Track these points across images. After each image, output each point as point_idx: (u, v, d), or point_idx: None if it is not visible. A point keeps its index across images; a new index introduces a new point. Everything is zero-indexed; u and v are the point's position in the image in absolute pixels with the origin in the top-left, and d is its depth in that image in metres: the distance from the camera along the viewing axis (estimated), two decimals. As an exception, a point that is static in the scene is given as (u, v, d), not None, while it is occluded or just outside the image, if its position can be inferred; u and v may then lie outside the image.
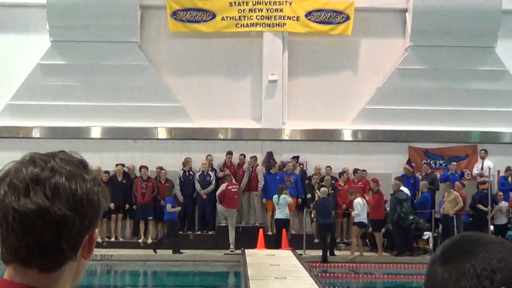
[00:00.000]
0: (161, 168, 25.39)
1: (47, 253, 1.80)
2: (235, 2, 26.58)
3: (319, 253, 22.94)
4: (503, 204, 24.63)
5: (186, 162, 25.50)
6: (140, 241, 24.91)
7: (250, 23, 26.63)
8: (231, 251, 23.68)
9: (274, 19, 26.57)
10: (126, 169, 25.59)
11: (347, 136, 26.72)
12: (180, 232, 24.77)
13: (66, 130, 25.71)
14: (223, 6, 26.57)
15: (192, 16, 26.53)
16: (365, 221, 23.30)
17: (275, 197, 23.93)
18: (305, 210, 24.70)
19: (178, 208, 24.19)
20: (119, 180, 25.13)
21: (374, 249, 23.91)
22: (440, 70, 26.43)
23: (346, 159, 26.15)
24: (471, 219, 24.77)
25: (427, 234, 23.95)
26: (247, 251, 21.82)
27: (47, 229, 1.78)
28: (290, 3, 26.58)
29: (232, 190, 24.62)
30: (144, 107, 26.00)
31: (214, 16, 26.55)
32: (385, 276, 21.26)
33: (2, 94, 25.83)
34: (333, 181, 25.22)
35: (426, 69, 26.48)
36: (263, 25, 26.61)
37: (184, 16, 26.50)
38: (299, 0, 26.74)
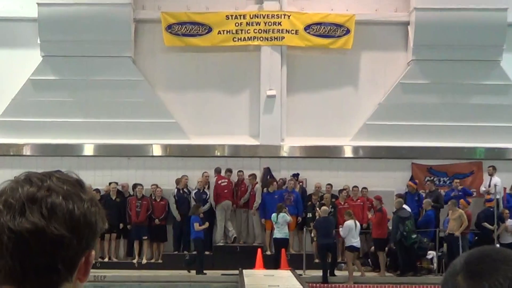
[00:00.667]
0: (156, 186, 25.38)
1: (43, 274, 1.80)
2: (232, 16, 26.64)
3: (319, 273, 22.88)
4: (510, 222, 24.58)
5: (179, 180, 25.51)
6: (134, 261, 24.86)
7: (248, 37, 26.68)
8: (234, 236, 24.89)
9: (272, 32, 26.62)
10: (120, 187, 25.55)
11: (348, 152, 26.72)
12: (176, 252, 24.74)
13: (58, 147, 25.71)
14: (219, 19, 26.62)
15: (187, 30, 26.58)
16: (356, 244, 23.13)
17: (273, 215, 23.90)
18: (304, 229, 24.67)
19: (206, 225, 24.17)
20: (113, 198, 25.11)
21: (377, 269, 23.87)
22: (443, 84, 26.46)
23: (347, 177, 26.13)
24: (476, 238, 24.73)
25: (431, 254, 23.92)
26: (245, 272, 21.78)
27: (43, 249, 1.78)
28: (289, 16, 26.64)
29: (222, 184, 24.98)
30: (138, 123, 26.00)
31: (210, 30, 26.60)
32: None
33: (-8, 110, 25.86)
34: (333, 199, 25.16)
35: (429, 83, 26.52)
36: (261, 38, 26.65)
37: (179, 30, 26.55)
38: (298, 13, 26.81)
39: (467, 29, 25.84)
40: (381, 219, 23.67)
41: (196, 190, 25.40)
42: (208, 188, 25.55)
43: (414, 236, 23.06)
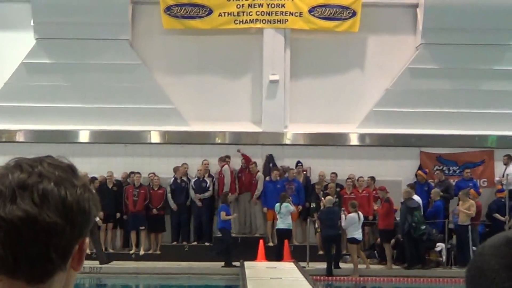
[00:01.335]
0: (154, 174, 25.40)
1: (36, 263, 1.80)
2: (233, -3, 26.62)
3: (323, 265, 22.93)
4: (521, 213, 24.57)
5: (177, 169, 25.51)
6: (131, 252, 24.90)
7: (250, 19, 26.64)
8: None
9: (275, 15, 26.58)
10: (119, 177, 25.54)
11: (354, 140, 26.72)
12: (175, 243, 24.79)
13: (52, 133, 25.72)
14: (220, 1, 26.59)
15: (187, 12, 26.54)
16: (358, 237, 23.13)
17: (276, 205, 23.92)
18: (308, 220, 24.69)
19: (235, 215, 24.24)
20: (109, 187, 25.14)
21: (383, 261, 23.90)
22: (453, 69, 26.42)
23: (352, 165, 26.14)
24: (487, 229, 24.74)
25: (439, 246, 23.93)
26: (246, 264, 21.81)
27: (35, 237, 1.77)
28: (293, -2, 26.62)
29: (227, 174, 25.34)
30: (135, 109, 26.01)
31: (211, 11, 26.57)
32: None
33: (-16, 95, 25.87)
34: (338, 189, 25.17)
35: (439, 68, 26.49)
36: (264, 21, 26.61)
37: (178, 12, 26.52)
38: (302, -6, 26.78)
39: (478, 11, 25.75)
40: (388, 209, 23.69)
41: (196, 179, 25.41)
42: (209, 176, 25.55)
43: (423, 227, 23.05)
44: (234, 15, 26.60)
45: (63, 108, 25.87)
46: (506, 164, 25.65)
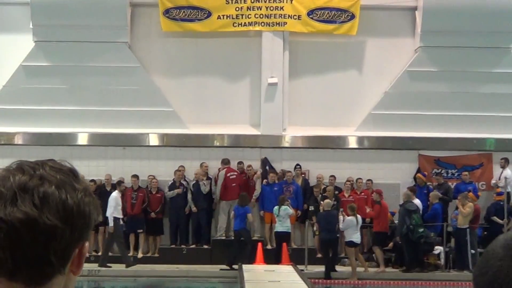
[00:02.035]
0: (153, 177, 25.40)
1: (35, 266, 1.80)
2: (232, 0, 26.59)
3: (321, 268, 22.93)
4: (520, 216, 24.58)
5: (175, 173, 25.55)
6: (129, 255, 24.85)
7: (248, 22, 26.64)
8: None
9: (274, 17, 26.58)
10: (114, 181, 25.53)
11: (352, 143, 26.72)
12: (173, 246, 24.79)
13: (51, 136, 25.71)
14: (219, 4, 26.57)
15: (186, 15, 26.54)
16: (356, 240, 23.08)
17: (275, 208, 23.90)
18: (307, 223, 24.69)
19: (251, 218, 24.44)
20: (108, 190, 25.12)
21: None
22: (452, 72, 26.43)
23: (351, 168, 26.14)
24: (485, 232, 24.76)
25: (438, 249, 23.93)
26: (244, 267, 21.80)
27: (35, 240, 1.78)
28: (291, 1, 26.60)
29: (231, 178, 24.95)
30: (134, 111, 26.00)
31: (209, 14, 26.57)
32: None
33: (-18, 97, 25.85)
34: (336, 192, 25.18)
35: (437, 71, 26.49)
36: (262, 24, 26.62)
37: (177, 15, 26.52)
38: (301, -3, 26.78)
39: (477, 14, 25.77)
40: (379, 212, 23.59)
41: (195, 182, 25.38)
42: (207, 179, 25.52)
43: (420, 230, 23.05)
44: (233, 18, 26.60)
45: (62, 110, 25.85)
46: (503, 167, 25.68)
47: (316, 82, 26.99)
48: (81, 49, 26.06)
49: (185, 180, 25.63)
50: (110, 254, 24.72)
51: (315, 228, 24.38)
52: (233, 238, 24.34)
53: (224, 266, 23.43)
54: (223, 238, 25.24)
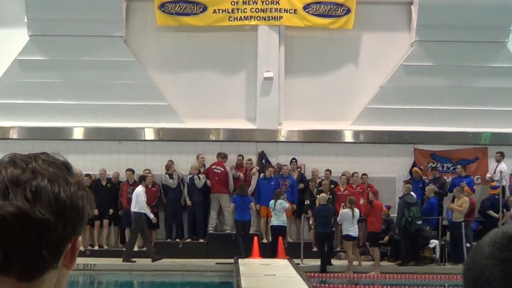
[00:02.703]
0: (149, 171, 25.38)
1: (26, 260, 1.79)
2: (227, -6, 26.58)
3: (317, 262, 22.95)
4: (515, 210, 24.58)
5: (168, 166, 25.51)
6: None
7: (244, 16, 26.62)
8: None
9: (270, 11, 26.56)
10: (110, 176, 25.50)
11: (348, 137, 26.73)
12: (168, 240, 24.81)
13: (46, 130, 25.68)
14: (215, -3, 26.57)
15: (181, 9, 26.51)
16: (353, 233, 23.02)
17: (271, 202, 23.90)
18: (302, 217, 24.70)
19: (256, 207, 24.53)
20: (104, 184, 25.12)
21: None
22: (448, 66, 26.44)
23: (347, 162, 26.15)
24: (480, 226, 24.80)
25: (433, 242, 23.97)
26: (240, 260, 21.83)
27: (26, 234, 1.77)
28: (287, -5, 26.59)
29: (214, 170, 24.97)
30: (129, 106, 25.97)
31: (205, 8, 26.54)
32: (388, 287, 21.24)
33: (-23, 92, 25.80)
34: (332, 186, 25.19)
35: (433, 65, 26.50)
36: (258, 18, 26.59)
37: (172, 9, 26.47)
38: (297, -8, 26.75)
39: (472, 9, 25.79)
40: (369, 211, 23.45)
41: (191, 176, 25.37)
42: (202, 172, 25.52)
43: (419, 222, 23.08)
44: (228, 12, 26.58)
45: (57, 105, 25.82)
46: (499, 161, 25.71)
47: (311, 76, 26.99)
48: (76, 43, 26.02)
49: (175, 173, 25.54)
50: (106, 247, 24.74)
51: (310, 222, 24.40)
52: (235, 229, 24.35)
53: (220, 260, 23.38)
54: (219, 232, 25.25)
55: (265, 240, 24.74)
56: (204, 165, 25.72)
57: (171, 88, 26.52)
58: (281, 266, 21.19)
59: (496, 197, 24.48)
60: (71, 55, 26.07)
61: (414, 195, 23.77)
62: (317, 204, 23.67)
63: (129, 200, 24.67)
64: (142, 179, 24.35)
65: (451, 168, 26.43)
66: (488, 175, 25.98)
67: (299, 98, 26.74)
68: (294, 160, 26.05)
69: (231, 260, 22.41)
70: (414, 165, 26.10)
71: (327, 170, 25.65)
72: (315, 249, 24.07)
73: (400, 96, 26.31)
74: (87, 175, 24.38)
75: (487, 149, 26.53)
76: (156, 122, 26.14)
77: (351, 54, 27.13)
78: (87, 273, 22.49)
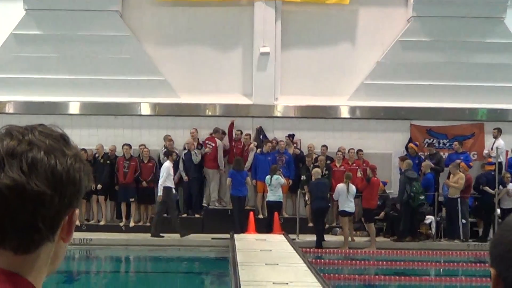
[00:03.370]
0: (144, 146, 25.36)
1: (23, 232, 1.78)
2: (224, -32, 26.45)
3: (313, 237, 22.98)
4: (511, 186, 24.58)
5: (166, 139, 25.50)
6: (121, 224, 24.90)
7: (241, -9, 26.51)
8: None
9: (267, -14, 26.45)
10: (106, 150, 25.45)
11: (345, 113, 26.70)
12: (165, 215, 24.81)
13: (42, 105, 25.62)
14: (211, -28, 26.45)
15: (178, -17, 26.39)
16: (348, 209, 22.98)
17: (267, 177, 23.89)
18: (298, 192, 24.71)
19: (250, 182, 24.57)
20: (100, 159, 25.09)
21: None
22: (444, 42, 26.40)
23: (343, 138, 26.15)
24: (476, 202, 24.83)
25: (429, 218, 24.00)
26: (236, 236, 21.86)
27: (22, 206, 1.76)
28: (284, -31, 26.46)
29: (208, 145, 25.37)
30: (126, 80, 25.91)
31: (201, -18, 26.42)
32: (383, 262, 21.28)
33: (-27, 66, 25.73)
34: (328, 162, 25.19)
35: (430, 41, 26.44)
36: (255, -8, 26.51)
37: (169, -17, 26.36)
38: (294, -34, 26.63)
39: (470, -16, 25.73)
40: (366, 188, 23.39)
41: (186, 151, 25.35)
42: (197, 148, 25.46)
43: (422, 197, 23.10)
44: (225, -14, 26.46)
45: (53, 79, 25.77)
46: (496, 137, 25.69)
47: (308, 52, 26.92)
48: (72, 18, 25.92)
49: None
50: (103, 222, 24.74)
51: (306, 198, 24.40)
52: (231, 204, 24.40)
53: (216, 235, 23.40)
54: (215, 207, 25.28)
55: (261, 216, 24.75)
56: (198, 139, 25.66)
57: (167, 63, 26.46)
58: (277, 241, 21.22)
59: (492, 173, 24.48)
60: (67, 29, 25.97)
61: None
62: (312, 179, 23.65)
63: (125, 175, 24.68)
64: (169, 154, 24.17)
65: (448, 144, 26.43)
66: (485, 151, 25.98)
67: (295, 73, 26.71)
68: (290, 136, 25.99)
69: (227, 235, 22.44)
70: (410, 141, 26.10)
71: (323, 145, 25.64)
72: (310, 224, 24.11)
73: (396, 71, 26.27)
74: (83, 149, 24.28)
75: (483, 125, 26.53)
76: (152, 97, 26.09)
77: (347, 29, 27.06)
78: (84, 247, 22.53)
